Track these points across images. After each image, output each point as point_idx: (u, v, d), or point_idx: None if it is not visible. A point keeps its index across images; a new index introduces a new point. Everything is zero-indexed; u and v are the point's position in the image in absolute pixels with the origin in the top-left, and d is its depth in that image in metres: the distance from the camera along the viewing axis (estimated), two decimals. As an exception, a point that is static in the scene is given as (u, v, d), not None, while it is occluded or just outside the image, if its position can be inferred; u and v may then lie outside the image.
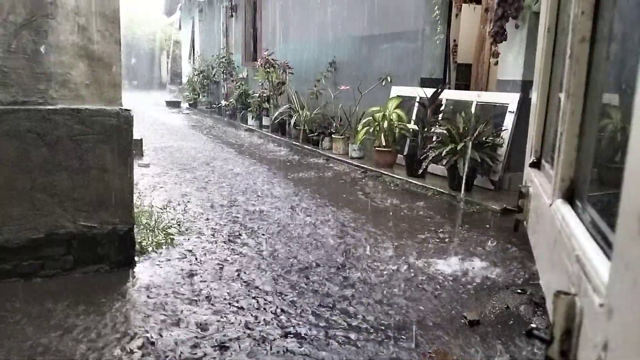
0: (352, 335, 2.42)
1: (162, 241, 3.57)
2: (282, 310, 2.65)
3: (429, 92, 5.84)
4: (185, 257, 3.35)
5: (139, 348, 2.24)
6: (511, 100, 5.27)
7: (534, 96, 1.82)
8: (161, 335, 2.35)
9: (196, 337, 2.35)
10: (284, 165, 7.06)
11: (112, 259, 3.04)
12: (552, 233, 1.19)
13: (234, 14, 13.79)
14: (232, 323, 2.50)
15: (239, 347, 2.28)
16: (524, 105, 5.05)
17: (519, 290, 3.00)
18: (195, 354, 2.22)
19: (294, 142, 8.69)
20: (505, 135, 5.20)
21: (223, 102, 13.30)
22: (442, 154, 5.06)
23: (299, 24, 9.92)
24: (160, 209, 4.42)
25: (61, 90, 2.83)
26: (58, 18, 2.77)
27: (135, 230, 3.24)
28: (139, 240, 3.36)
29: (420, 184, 5.60)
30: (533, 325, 2.57)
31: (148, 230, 3.68)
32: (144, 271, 3.08)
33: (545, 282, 1.33)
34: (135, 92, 21.54)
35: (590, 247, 0.90)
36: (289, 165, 7.02)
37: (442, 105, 5.89)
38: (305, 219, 4.32)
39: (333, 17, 8.57)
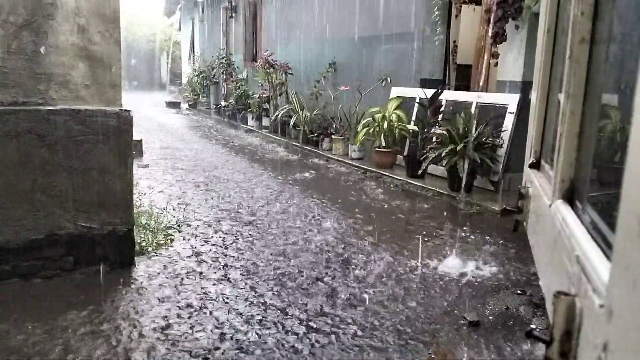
0: (354, 335, 2.42)
1: (162, 242, 3.57)
2: (283, 314, 2.65)
3: (429, 92, 5.84)
4: (185, 259, 3.35)
5: (138, 350, 2.24)
6: (511, 101, 5.27)
7: (534, 97, 1.82)
8: (160, 337, 2.35)
9: (197, 341, 2.36)
10: (284, 166, 7.06)
11: (112, 259, 3.04)
12: (552, 234, 1.19)
13: (233, 14, 13.80)
14: (230, 332, 2.50)
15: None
16: (523, 106, 5.05)
17: (519, 291, 3.00)
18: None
19: (294, 143, 8.70)
20: (505, 136, 5.20)
21: (223, 103, 13.30)
22: (442, 155, 5.06)
23: (299, 25, 9.93)
24: (160, 209, 4.42)
25: (61, 90, 2.83)
26: (58, 19, 2.77)
27: (135, 230, 3.24)
28: (138, 241, 3.36)
29: (420, 184, 5.60)
30: (533, 326, 2.57)
31: (148, 231, 3.68)
32: (143, 272, 3.08)
33: (545, 283, 1.33)
34: (135, 93, 21.54)
35: (590, 248, 0.90)
36: (289, 166, 7.02)
37: (442, 106, 5.89)
38: (304, 220, 4.32)
39: (333, 17, 8.57)
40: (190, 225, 4.06)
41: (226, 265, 3.27)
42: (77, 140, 2.85)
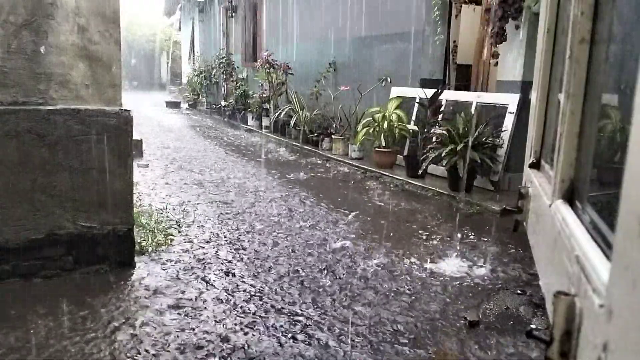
0: (355, 332, 2.42)
1: (162, 241, 3.57)
2: (277, 309, 2.65)
3: (429, 92, 5.84)
4: (185, 258, 3.35)
5: (138, 350, 2.24)
6: (511, 100, 5.27)
7: (534, 97, 1.82)
8: (159, 338, 2.35)
9: (197, 340, 2.36)
10: (284, 165, 7.06)
11: (112, 259, 3.04)
12: (552, 234, 1.19)
13: (233, 14, 13.79)
14: (226, 334, 2.50)
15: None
16: (523, 106, 5.05)
17: (519, 291, 3.00)
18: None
19: (294, 143, 8.69)
20: (505, 135, 5.20)
21: (223, 103, 13.30)
22: (442, 155, 5.06)
23: (299, 25, 9.93)
24: (160, 209, 4.42)
25: (61, 90, 2.83)
26: (58, 18, 2.77)
27: (135, 230, 3.24)
28: (138, 241, 3.36)
29: (420, 184, 5.60)
30: (533, 326, 2.57)
31: (147, 231, 3.68)
32: (143, 272, 3.08)
33: (545, 283, 1.33)
34: (135, 93, 21.54)
35: (590, 248, 0.90)
36: (289, 166, 7.02)
37: (442, 105, 5.89)
38: (303, 219, 4.32)
39: (333, 17, 8.57)
40: (190, 225, 4.06)
41: (226, 265, 3.27)
42: (77, 140, 2.85)
